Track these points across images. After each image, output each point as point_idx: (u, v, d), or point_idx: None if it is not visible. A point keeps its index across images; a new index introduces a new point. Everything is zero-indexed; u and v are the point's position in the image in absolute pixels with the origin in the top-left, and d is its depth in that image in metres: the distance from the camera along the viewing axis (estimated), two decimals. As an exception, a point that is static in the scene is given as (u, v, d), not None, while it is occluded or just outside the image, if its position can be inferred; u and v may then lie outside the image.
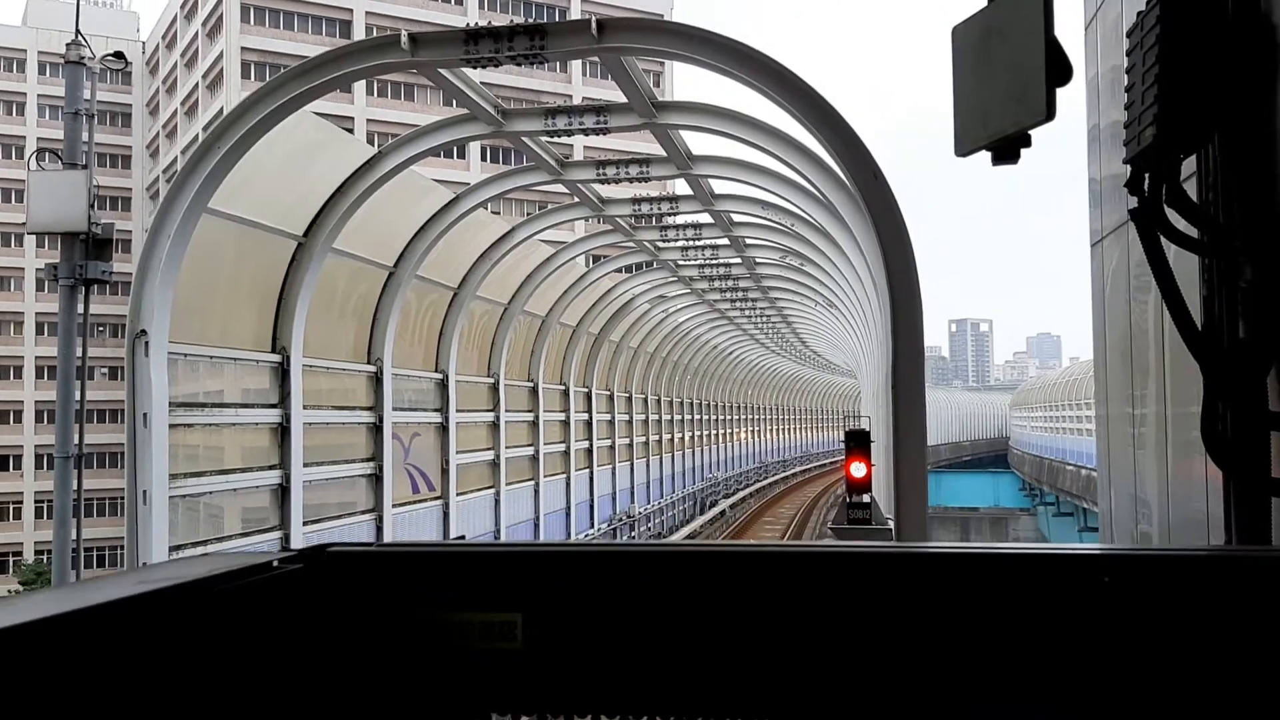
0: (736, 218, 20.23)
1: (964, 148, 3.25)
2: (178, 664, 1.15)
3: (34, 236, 63.50)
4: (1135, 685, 1.23)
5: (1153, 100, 3.03)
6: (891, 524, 11.67)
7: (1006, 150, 3.10)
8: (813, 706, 1.31)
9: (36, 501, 64.24)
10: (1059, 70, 2.95)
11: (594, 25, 10.50)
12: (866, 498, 14.59)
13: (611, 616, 1.33)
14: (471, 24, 12.09)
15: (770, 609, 1.31)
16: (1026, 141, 3.08)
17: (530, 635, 1.32)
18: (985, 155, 3.34)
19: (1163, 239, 3.29)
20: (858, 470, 14.63)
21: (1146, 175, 3.24)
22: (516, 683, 1.33)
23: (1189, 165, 3.49)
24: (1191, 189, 3.43)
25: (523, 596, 1.33)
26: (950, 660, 1.27)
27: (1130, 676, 1.23)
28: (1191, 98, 3.00)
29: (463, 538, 17.93)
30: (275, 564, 1.34)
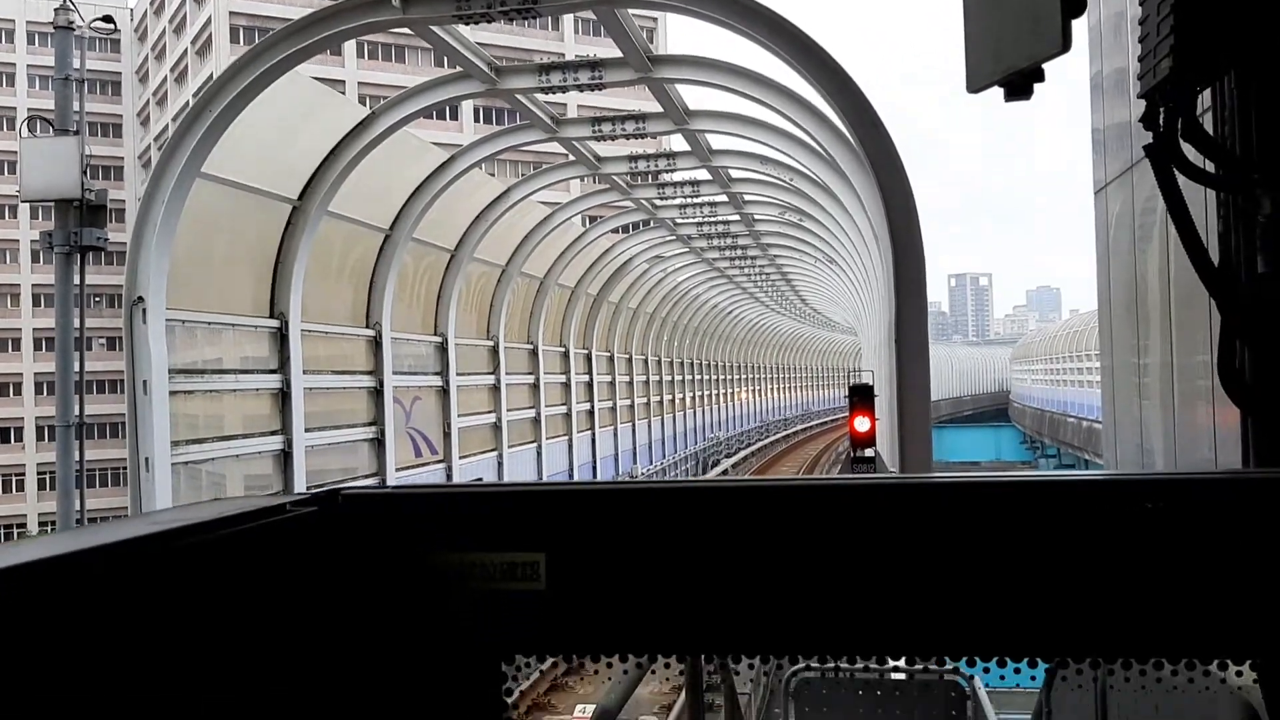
0: (735, 174, 20.09)
1: (976, 83, 3.17)
2: (189, 605, 1.11)
3: (29, 208, 63.17)
4: (1179, 608, 1.20)
5: (1169, 31, 2.95)
6: (895, 477, 11.63)
7: (1019, 85, 3.03)
8: (844, 642, 1.27)
9: (39, 473, 64.40)
10: (1073, 1, 2.87)
11: (588, -23, 10.35)
12: (870, 452, 14.58)
13: (635, 555, 1.29)
14: (463, -20, 11.89)
15: (798, 544, 1.27)
16: (1040, 76, 3.01)
17: (554, 575, 1.28)
18: (996, 93, 3.27)
19: (1178, 175, 3.22)
20: (861, 424, 14.62)
21: (1162, 110, 3.16)
22: (540, 623, 1.29)
23: (1204, 101, 3.42)
24: (1208, 125, 3.36)
25: (546, 536, 1.29)
26: (988, 591, 1.23)
27: (1175, 600, 1.20)
28: (1208, 27, 2.92)
29: (480, 480, 17.98)
30: (288, 507, 1.29)
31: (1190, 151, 3.29)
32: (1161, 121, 3.16)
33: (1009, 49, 2.99)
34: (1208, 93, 3.43)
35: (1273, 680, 1.85)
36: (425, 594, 1.29)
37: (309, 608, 1.28)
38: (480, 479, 18.13)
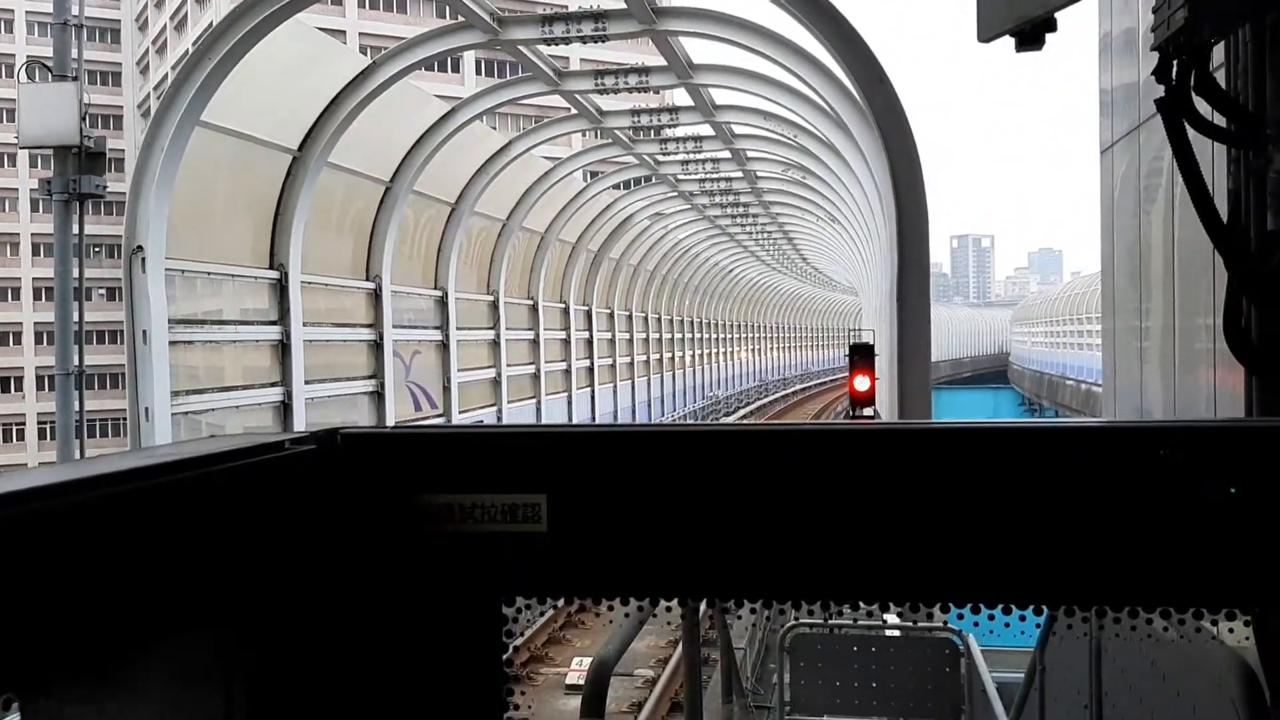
0: (738, 129, 19.94)
1: (987, 33, 3.12)
2: (182, 540, 1.09)
3: (28, 157, 62.79)
4: (1178, 559, 1.19)
5: (1185, -19, 2.90)
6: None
7: (1031, 34, 2.98)
8: (842, 589, 1.26)
9: (39, 423, 64.59)
10: (1088, -51, 2.82)
11: (592, -74, 10.19)
12: (870, 411, 14.60)
13: (637, 499, 1.28)
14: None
15: (800, 490, 1.25)
16: (1052, 25, 2.96)
17: (555, 517, 1.26)
18: (1006, 51, 3.22)
19: (1189, 130, 3.19)
20: (861, 383, 14.62)
21: (1175, 63, 3.12)
22: (541, 565, 1.28)
23: (1218, 57, 3.37)
24: (1221, 81, 3.31)
25: (547, 478, 1.27)
26: (989, 540, 1.22)
27: (1174, 551, 1.19)
28: (1226, -22, 2.87)
29: (481, 421, 18.02)
30: (286, 445, 1.27)
31: (1202, 108, 3.25)
32: (1174, 75, 3.12)
33: (1022, -2, 2.94)
34: (1220, 49, 3.39)
35: (1268, 632, 1.85)
36: (425, 535, 1.28)
37: (306, 547, 1.27)
38: (481, 421, 18.16)
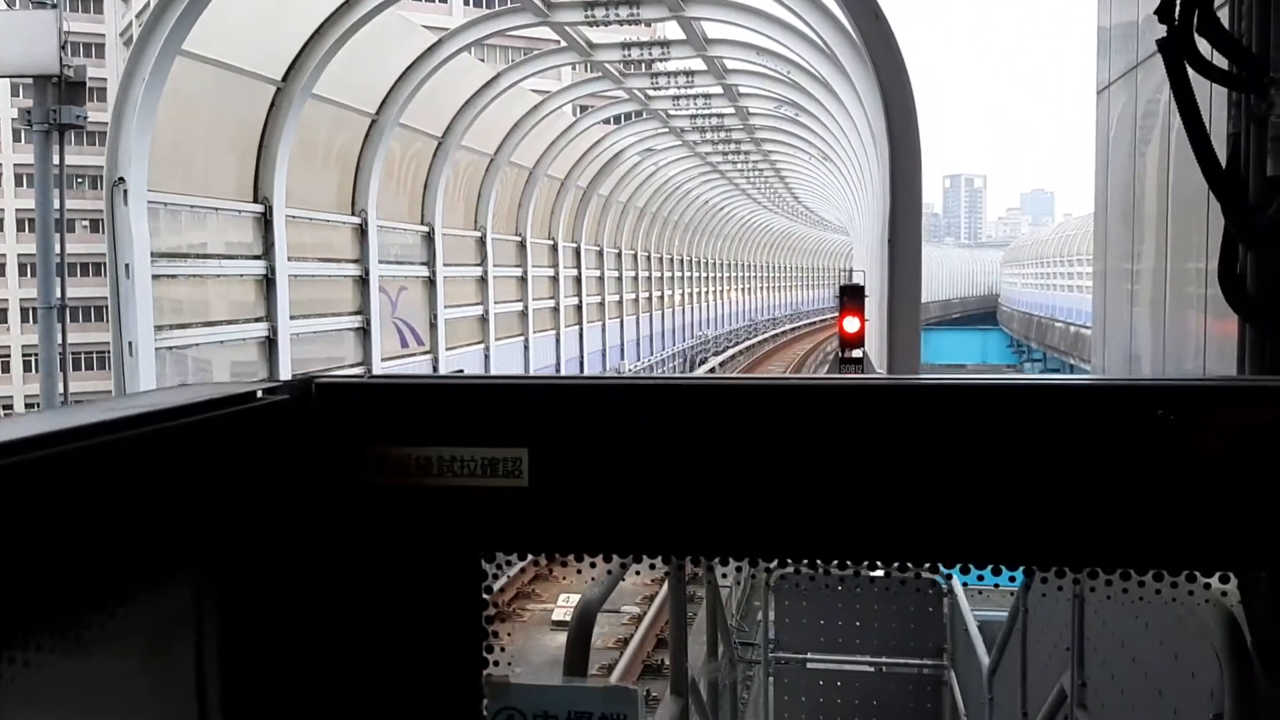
0: (730, 64, 19.68)
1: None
2: (155, 494, 1.05)
3: (9, 86, 61.65)
4: (1165, 518, 1.17)
5: (1192, -83, 2.82)
6: (882, 377, 11.69)
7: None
8: (825, 546, 1.23)
9: (24, 355, 64.27)
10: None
11: None
12: (858, 353, 14.60)
13: (621, 453, 1.24)
14: None
15: (783, 445, 1.22)
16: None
17: (537, 472, 1.23)
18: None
19: (1190, 72, 3.12)
20: (851, 325, 14.59)
21: (1178, 2, 3.04)
22: (522, 520, 1.24)
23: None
24: (1224, 21, 3.24)
25: (529, 432, 1.23)
26: (975, 498, 1.19)
27: (1161, 510, 1.16)
28: (1235, -86, 2.79)
29: (461, 371, 17.98)
30: (259, 394, 1.23)
31: (1204, 49, 3.18)
32: (1177, 14, 3.05)
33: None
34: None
35: (1255, 592, 1.84)
36: (403, 488, 1.24)
37: (281, 498, 1.23)
38: (461, 370, 18.11)
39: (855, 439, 1.21)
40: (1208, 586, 1.18)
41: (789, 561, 1.26)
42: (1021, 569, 1.20)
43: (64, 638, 0.94)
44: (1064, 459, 1.17)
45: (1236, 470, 1.15)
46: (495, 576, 1.27)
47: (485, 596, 1.25)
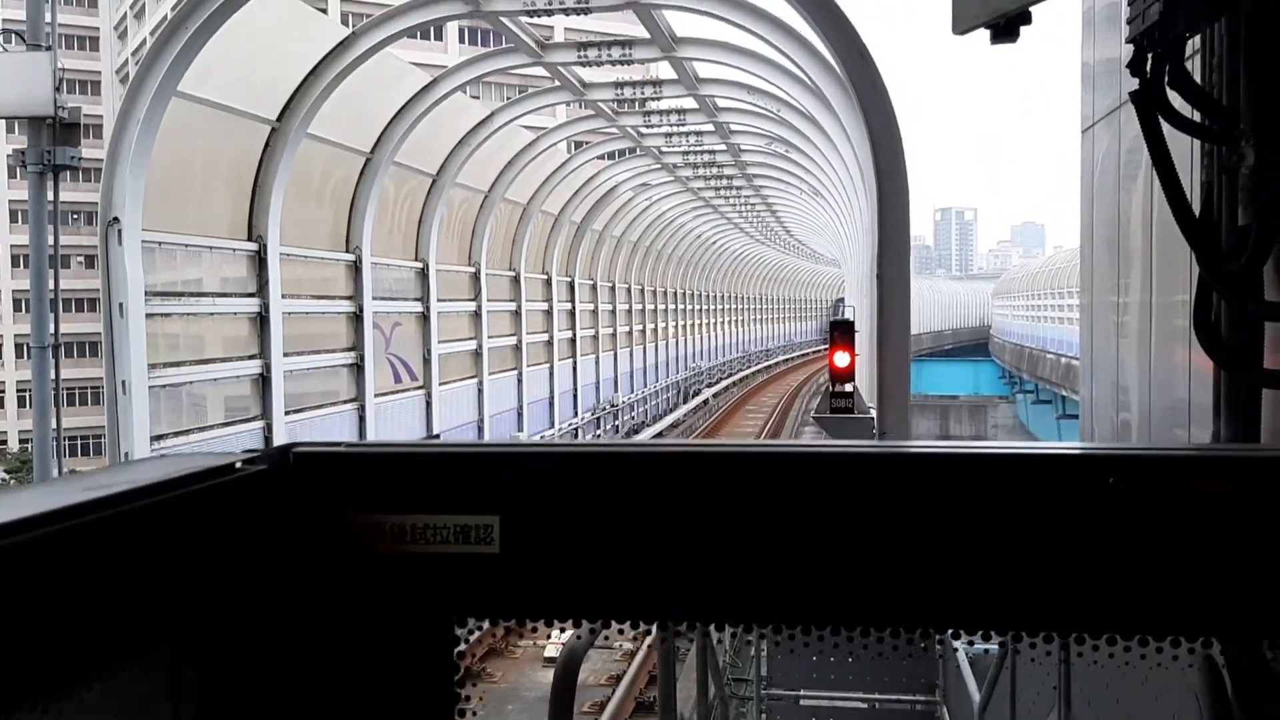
0: (721, 103, 19.85)
1: (962, 25, 3.11)
2: (134, 570, 1.08)
3: (3, 123, 61.86)
4: (1139, 583, 1.20)
5: (1160, -25, 2.88)
6: (874, 413, 11.76)
7: (1006, 28, 2.96)
8: (800, 611, 1.26)
9: (19, 390, 64.07)
10: (1064, -58, 2.80)
11: (574, -102, 10.08)
12: (849, 387, 14.64)
13: (592, 520, 1.27)
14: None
15: (756, 512, 1.25)
16: (1027, 19, 2.94)
17: (508, 539, 1.26)
18: (983, 35, 3.20)
19: (1163, 123, 3.18)
20: (841, 360, 14.65)
21: (1149, 56, 3.11)
22: (494, 587, 1.27)
23: (1193, 45, 3.36)
24: (1196, 71, 3.31)
25: (500, 499, 1.27)
26: (953, 563, 1.22)
27: (1134, 576, 1.20)
28: (1201, -28, 2.86)
29: (437, 436, 17.99)
30: (238, 465, 1.26)
31: (1177, 100, 3.25)
32: (1149, 68, 3.11)
33: (997, -9, 2.92)
34: (1197, 38, 3.37)
35: (1238, 657, 1.87)
36: (377, 555, 1.28)
37: (258, 568, 1.26)
38: (437, 435, 18.10)
39: (832, 505, 1.24)
40: (1191, 651, 1.20)
41: (756, 627, 1.29)
42: (1011, 639, 1.23)
43: (45, 712, 0.96)
44: (1046, 526, 1.20)
45: (1215, 536, 1.18)
46: (468, 641, 1.30)
47: (457, 661, 1.28)
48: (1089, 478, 1.21)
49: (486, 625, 1.30)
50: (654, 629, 1.30)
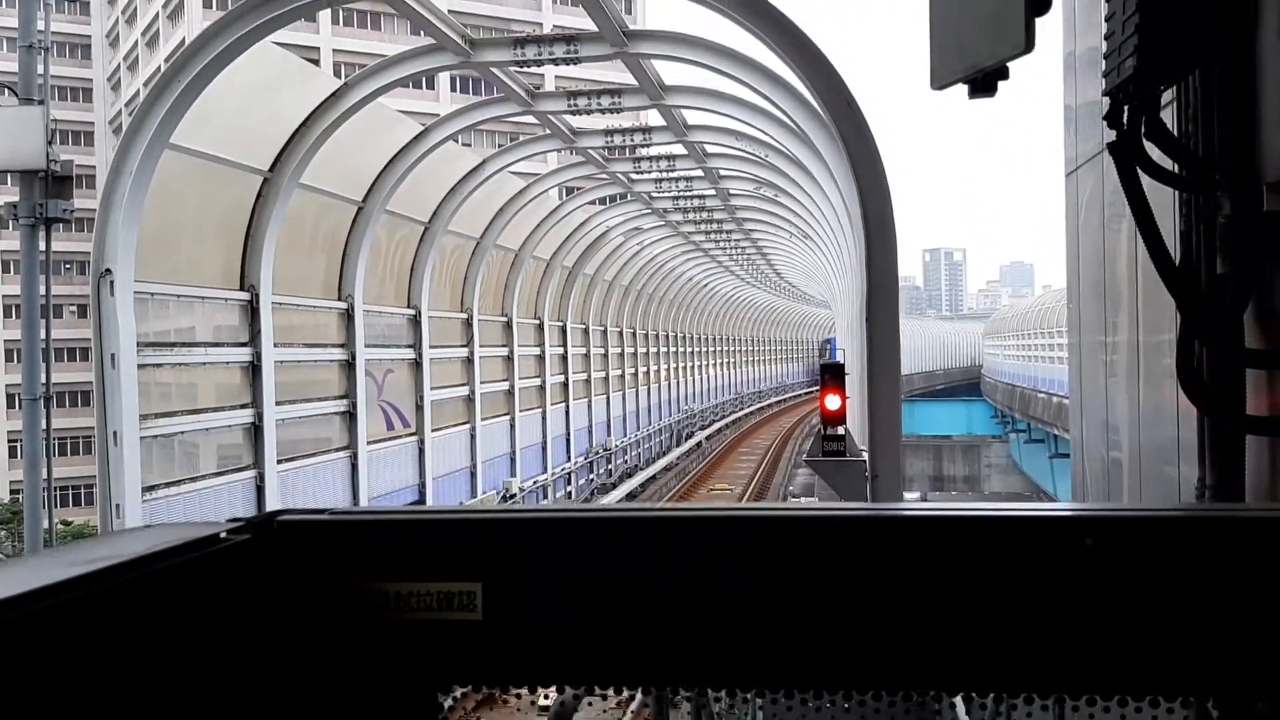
0: (710, 149, 20.03)
1: (940, 81, 3.16)
2: (115, 653, 1.09)
3: (-5, 172, 62.11)
4: (1115, 645, 1.21)
5: (1133, 30, 2.94)
6: (865, 456, 11.76)
7: (983, 83, 3.01)
8: (787, 676, 1.27)
9: (10, 440, 63.72)
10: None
11: (562, -49, 10.22)
12: (841, 430, 14.66)
13: (576, 585, 1.28)
14: (436, -50, 11.74)
15: (737, 573, 1.27)
16: (1004, 74, 2.99)
17: (491, 606, 1.27)
18: (961, 88, 3.26)
19: (1140, 173, 3.23)
20: (832, 403, 14.68)
21: (1126, 108, 3.16)
22: (477, 654, 1.28)
23: (1168, 95, 3.42)
24: (1170, 118, 3.37)
25: (483, 565, 1.28)
26: (928, 627, 1.23)
27: (1111, 637, 1.21)
28: (1174, 28, 2.92)
29: (421, 501, 17.96)
30: (223, 535, 1.27)
31: (1155, 150, 3.30)
32: (1125, 120, 3.16)
33: (973, 48, 2.97)
34: (1172, 89, 3.44)
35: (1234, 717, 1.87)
36: (361, 623, 1.28)
37: (243, 637, 1.27)
38: (419, 501, 18.08)
39: (824, 568, 1.25)
40: (1170, 712, 1.21)
41: (740, 691, 1.30)
42: (992, 699, 1.24)
43: None
44: (1038, 586, 1.21)
45: (1207, 595, 1.20)
46: (451, 709, 1.31)
47: (442, 729, 1.29)
48: (1072, 539, 1.22)
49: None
50: (638, 694, 1.31)
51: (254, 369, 13.68)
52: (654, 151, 20.67)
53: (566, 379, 27.70)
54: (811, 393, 65.95)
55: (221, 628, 1.24)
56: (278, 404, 14.04)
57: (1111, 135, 3.31)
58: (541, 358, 25.72)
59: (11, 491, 62.14)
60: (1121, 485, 5.82)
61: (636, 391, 36.21)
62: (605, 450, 31.44)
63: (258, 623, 1.27)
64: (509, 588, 1.27)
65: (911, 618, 1.23)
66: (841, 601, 1.24)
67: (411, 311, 18.61)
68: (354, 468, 16.18)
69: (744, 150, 19.42)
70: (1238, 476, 3.10)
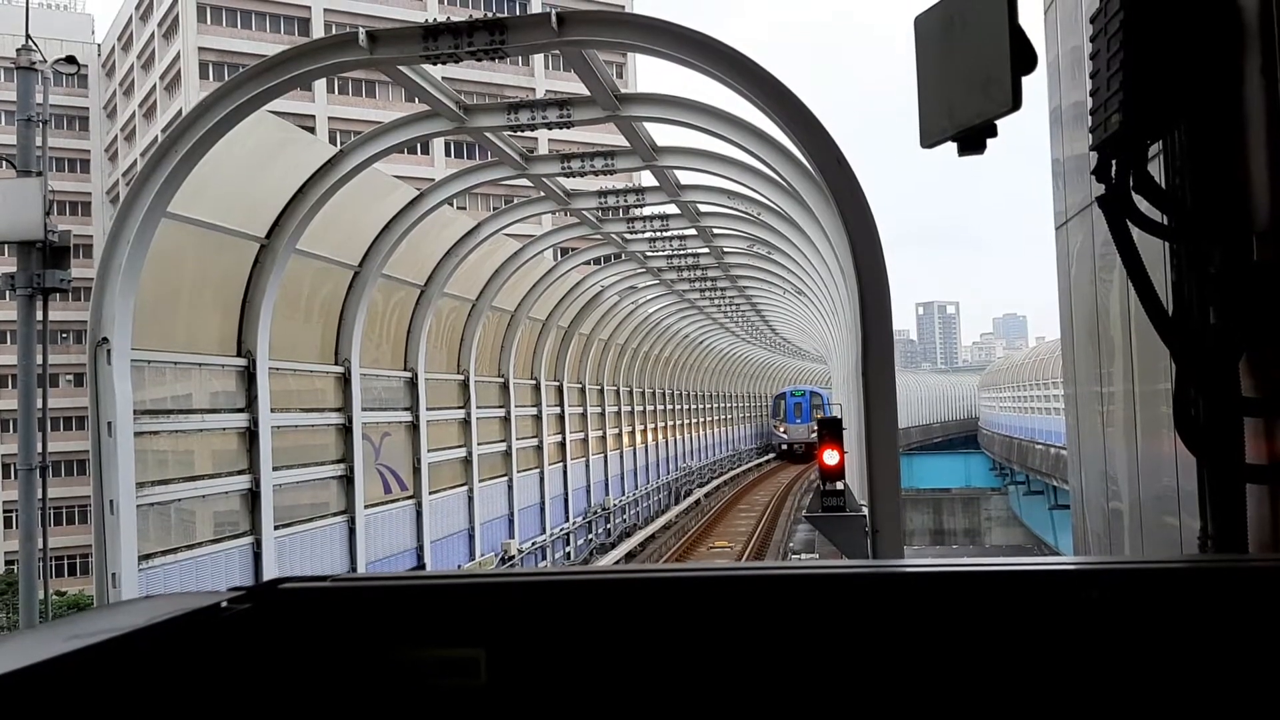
0: (703, 208, 20.20)
1: (929, 139, 3.21)
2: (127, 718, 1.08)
3: (-8, 243, 62.46)
4: (1125, 699, 1.20)
5: (1118, 87, 3.00)
6: (865, 510, 11.72)
7: (972, 141, 3.06)
8: None
9: (5, 510, 63.27)
10: (1023, 58, 2.91)
11: (554, 19, 10.40)
12: (840, 485, 14.62)
13: (578, 648, 1.28)
14: (431, 20, 11.95)
15: (742, 633, 1.26)
16: (992, 131, 3.04)
17: (493, 671, 1.26)
18: (950, 145, 3.30)
19: (1131, 225, 3.26)
20: (830, 458, 14.65)
21: (1113, 162, 3.21)
22: (480, 719, 1.27)
23: (1155, 147, 3.47)
24: (1157, 169, 3.41)
25: (485, 631, 1.27)
26: (936, 683, 1.23)
27: (1120, 690, 1.20)
28: (1158, 83, 2.97)
29: (423, 566, 17.87)
30: (224, 605, 1.27)
31: (1143, 202, 3.34)
32: (1113, 174, 3.20)
33: (961, 107, 3.02)
34: (1159, 142, 3.48)
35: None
36: (363, 692, 1.27)
37: (245, 705, 1.26)
38: (419, 565, 17.99)
39: (812, 626, 1.25)
40: None
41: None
42: None
43: None
44: (1026, 642, 1.21)
45: (1209, 646, 1.19)
46: (456, 777, 1.29)
47: (446, 798, 1.27)
48: (1074, 592, 1.22)
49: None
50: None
51: (251, 435, 13.65)
52: (647, 211, 20.85)
53: (564, 438, 27.64)
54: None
55: (224, 699, 1.23)
56: (275, 469, 13.98)
57: (1100, 189, 3.35)
58: (539, 418, 25.69)
59: (7, 561, 61.54)
60: (1123, 536, 5.80)
61: (634, 450, 36.11)
62: (604, 509, 31.27)
63: (261, 693, 1.26)
64: (514, 652, 1.27)
65: (915, 682, 1.22)
66: (850, 661, 1.23)
67: (408, 374, 18.62)
68: (351, 532, 16.07)
69: (737, 209, 19.59)
70: (1239, 526, 3.10)
